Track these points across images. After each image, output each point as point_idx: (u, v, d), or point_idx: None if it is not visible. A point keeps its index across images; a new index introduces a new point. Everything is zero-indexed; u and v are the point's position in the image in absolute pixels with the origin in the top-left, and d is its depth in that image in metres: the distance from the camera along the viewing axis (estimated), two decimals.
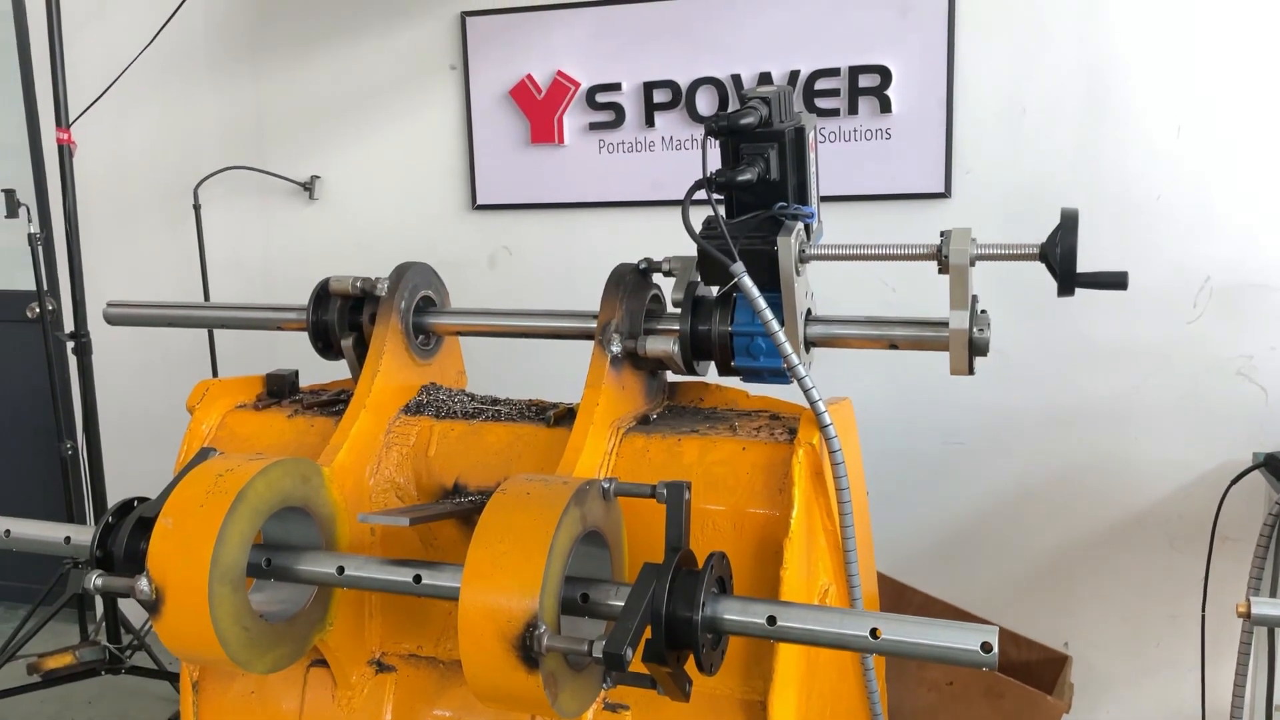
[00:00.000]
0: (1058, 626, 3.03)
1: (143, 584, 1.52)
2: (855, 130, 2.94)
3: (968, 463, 3.03)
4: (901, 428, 3.02)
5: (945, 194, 2.91)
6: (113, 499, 3.42)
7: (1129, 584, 2.97)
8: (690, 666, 1.44)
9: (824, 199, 1.90)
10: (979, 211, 2.90)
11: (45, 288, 3.33)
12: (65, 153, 3.09)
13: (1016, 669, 2.96)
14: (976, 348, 1.67)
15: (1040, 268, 1.63)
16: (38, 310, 3.30)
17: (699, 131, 3.08)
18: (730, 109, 2.98)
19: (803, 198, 1.78)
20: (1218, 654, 2.76)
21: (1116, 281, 1.55)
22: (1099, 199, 2.80)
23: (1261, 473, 2.56)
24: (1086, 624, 3.02)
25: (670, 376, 1.97)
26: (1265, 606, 1.53)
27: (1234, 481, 2.55)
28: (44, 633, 3.27)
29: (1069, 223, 1.57)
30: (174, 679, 3.17)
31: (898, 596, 3.02)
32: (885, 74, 2.89)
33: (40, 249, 3.27)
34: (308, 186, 3.51)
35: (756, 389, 1.91)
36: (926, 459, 3.05)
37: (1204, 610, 2.55)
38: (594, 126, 3.18)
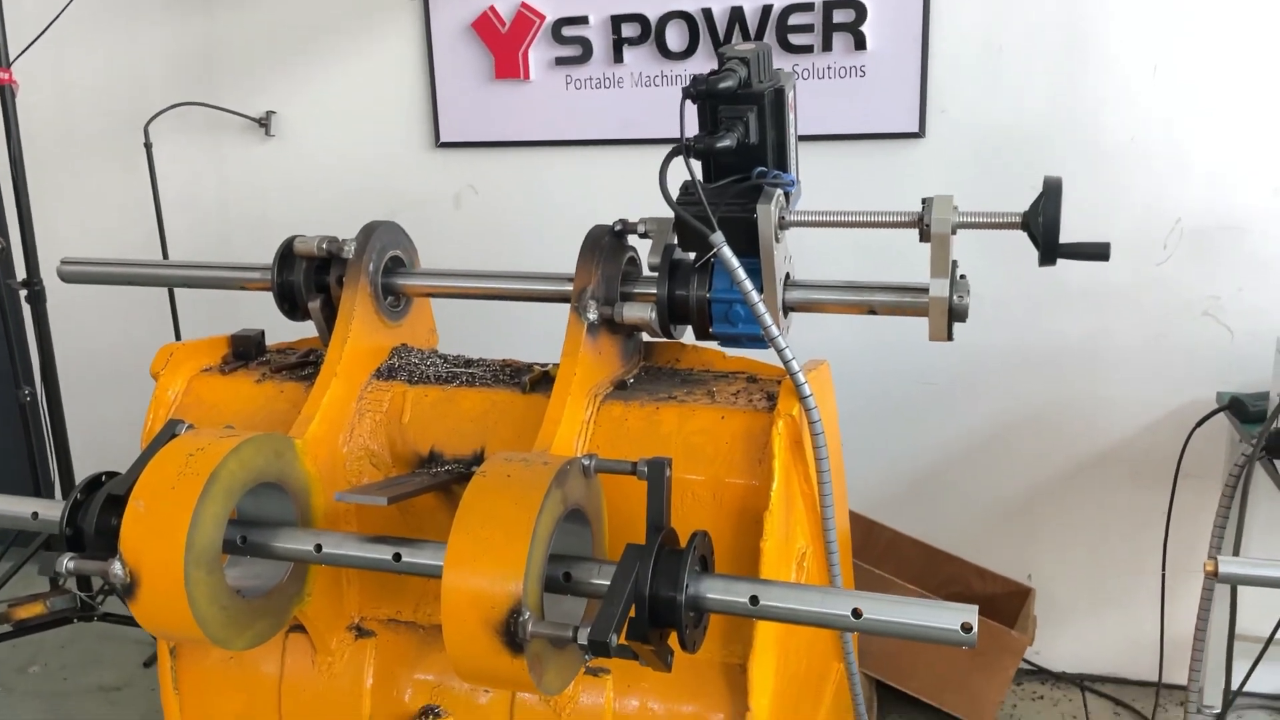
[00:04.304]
0: (1021, 560, 3.10)
1: (116, 568, 1.50)
2: (829, 68, 2.87)
3: (938, 402, 3.06)
4: (873, 368, 3.02)
5: (920, 134, 2.87)
6: (75, 444, 3.39)
7: (1092, 519, 3.03)
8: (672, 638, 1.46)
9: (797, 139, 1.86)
10: (953, 152, 2.86)
11: None
12: (7, 93, 2.94)
13: (980, 601, 3.02)
14: (956, 314, 1.67)
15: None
16: None
17: (669, 68, 3.00)
18: (701, 44, 2.94)
19: (781, 160, 1.74)
20: (1175, 585, 2.84)
21: (1098, 253, 1.54)
22: (1073, 140, 2.77)
23: (1226, 415, 2.60)
24: (1049, 558, 3.09)
25: (646, 336, 1.95)
26: (1233, 565, 1.56)
27: (1199, 424, 2.58)
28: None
29: (1052, 192, 1.55)
30: None
31: (867, 533, 3.08)
32: (860, 9, 2.81)
33: None
34: (263, 122, 3.39)
35: (733, 349, 1.90)
36: (897, 399, 3.07)
37: (1165, 548, 2.61)
38: (560, 61, 3.08)
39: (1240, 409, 2.53)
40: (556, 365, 1.79)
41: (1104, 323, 2.88)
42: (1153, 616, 2.85)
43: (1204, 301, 2.79)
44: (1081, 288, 2.84)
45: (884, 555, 3.06)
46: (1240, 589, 2.45)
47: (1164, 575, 2.63)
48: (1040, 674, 3.14)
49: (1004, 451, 3.06)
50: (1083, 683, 3.10)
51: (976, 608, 1.34)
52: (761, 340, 1.75)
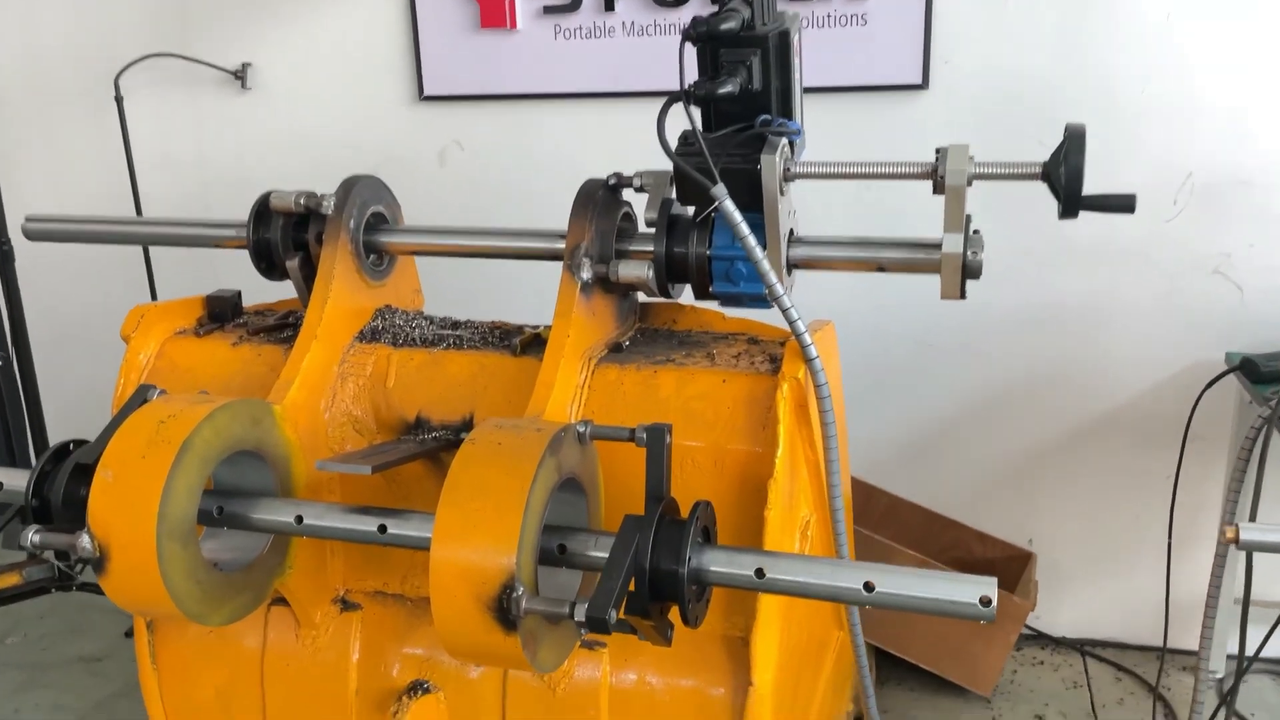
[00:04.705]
0: (1022, 524, 3.05)
1: (84, 541, 1.44)
2: (829, 16, 2.76)
3: (938, 363, 2.98)
4: (871, 329, 2.95)
5: (923, 85, 2.76)
6: (50, 411, 3.29)
7: (1095, 482, 2.97)
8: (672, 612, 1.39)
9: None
10: (958, 105, 2.76)
11: None
12: None
13: (980, 566, 3.00)
14: (970, 271, 1.60)
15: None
16: None
17: (662, 16, 2.89)
18: None
19: (786, 108, 1.65)
20: (1177, 549, 2.78)
21: (1124, 205, 1.46)
22: (1082, 92, 2.67)
23: (1236, 376, 2.53)
24: (1051, 522, 3.04)
25: (641, 296, 1.87)
26: (1254, 532, 1.51)
27: (1209, 385, 2.51)
28: None
29: (1075, 140, 1.46)
30: None
31: (865, 498, 3.02)
32: None
33: None
34: (239, 75, 3.26)
35: (734, 309, 1.82)
36: (895, 360, 3.00)
37: (1172, 512, 2.55)
38: (549, 10, 2.96)
39: (1252, 369, 2.46)
40: (548, 327, 1.72)
41: (1110, 281, 2.80)
42: (1154, 581, 2.80)
43: (1214, 259, 2.72)
44: (1087, 245, 2.76)
45: (882, 520, 3.00)
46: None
47: (1170, 540, 2.57)
48: (1040, 639, 3.10)
49: (1005, 414, 2.99)
50: (1083, 647, 3.06)
51: (995, 580, 1.28)
52: (764, 300, 1.68)
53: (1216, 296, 2.73)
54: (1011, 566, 2.97)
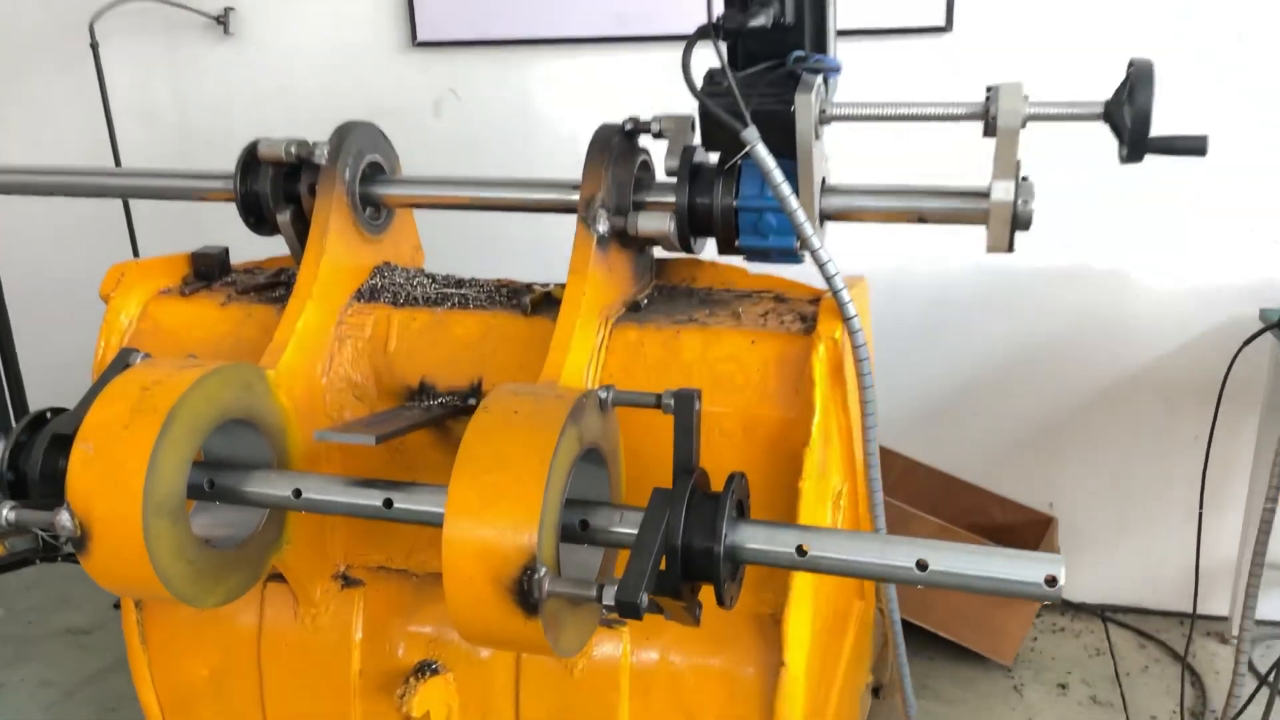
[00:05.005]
0: (1043, 488, 2.97)
1: (64, 518, 1.33)
2: None
3: (957, 322, 2.88)
4: (885, 285, 2.82)
5: (946, 27, 2.63)
6: (31, 378, 3.16)
7: (1118, 445, 2.90)
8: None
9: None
10: (983, 49, 2.63)
11: None
12: None
13: (1000, 531, 2.92)
14: (1020, 222, 1.48)
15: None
16: None
17: None
18: None
19: (821, 44, 1.53)
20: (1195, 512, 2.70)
21: (1194, 147, 1.34)
22: (1118, 33, 2.54)
23: (1274, 334, 2.43)
24: (1072, 485, 2.97)
25: (658, 252, 1.74)
26: None
27: (1246, 343, 2.40)
28: None
29: (1142, 77, 1.34)
30: None
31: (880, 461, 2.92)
32: None
33: None
34: (221, 20, 3.12)
35: (757, 265, 1.70)
36: (912, 317, 2.90)
37: (1204, 476, 2.46)
38: None
39: None
40: (560, 285, 1.61)
41: (1138, 235, 2.69)
42: (1176, 545, 2.74)
43: (1248, 211, 2.59)
44: (1113, 196, 2.64)
45: (898, 485, 2.91)
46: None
47: (1201, 504, 2.48)
48: (1060, 604, 3.03)
49: (1025, 373, 2.91)
50: (1104, 613, 2.98)
51: (1061, 558, 1.17)
52: (794, 254, 1.58)
53: (1250, 250, 2.63)
54: (1032, 531, 2.89)
